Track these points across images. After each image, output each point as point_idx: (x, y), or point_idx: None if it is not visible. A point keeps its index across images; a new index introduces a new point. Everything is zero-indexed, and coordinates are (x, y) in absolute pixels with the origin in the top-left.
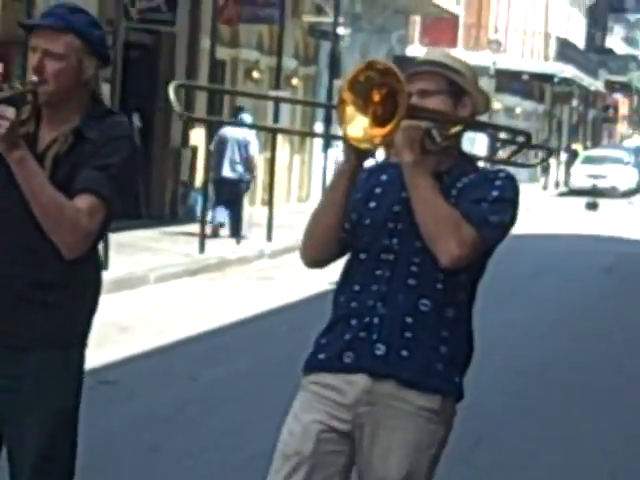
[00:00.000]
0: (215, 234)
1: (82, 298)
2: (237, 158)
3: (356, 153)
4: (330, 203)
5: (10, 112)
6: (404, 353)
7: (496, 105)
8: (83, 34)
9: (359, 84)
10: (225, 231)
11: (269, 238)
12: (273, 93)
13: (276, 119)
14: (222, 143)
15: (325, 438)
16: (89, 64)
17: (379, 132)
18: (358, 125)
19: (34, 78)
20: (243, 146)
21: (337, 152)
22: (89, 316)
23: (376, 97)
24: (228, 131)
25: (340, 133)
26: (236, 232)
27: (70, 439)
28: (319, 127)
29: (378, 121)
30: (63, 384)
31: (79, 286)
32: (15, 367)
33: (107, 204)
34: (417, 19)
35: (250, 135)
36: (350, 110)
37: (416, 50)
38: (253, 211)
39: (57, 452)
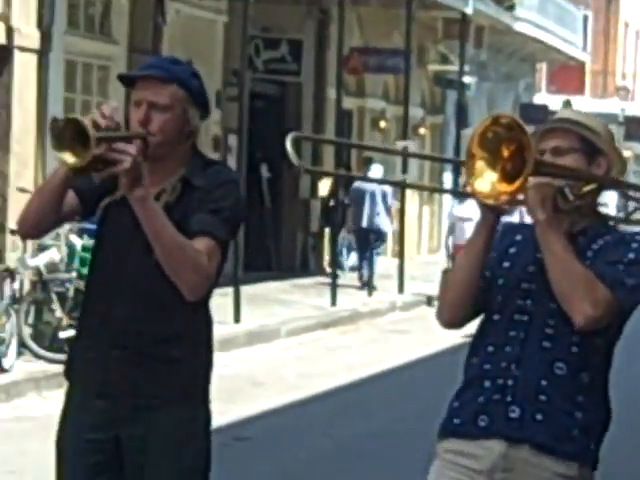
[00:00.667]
0: (364, 285)
1: (201, 352)
2: (377, 209)
3: (493, 211)
4: (467, 262)
5: (132, 149)
6: (539, 417)
7: (626, 153)
8: (186, 84)
9: (488, 139)
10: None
11: (400, 290)
12: (400, 143)
13: (404, 169)
14: (359, 194)
15: None
16: (193, 114)
17: (507, 188)
18: (486, 180)
19: (141, 130)
20: (381, 196)
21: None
22: (208, 370)
23: (505, 152)
24: (362, 182)
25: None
26: (369, 283)
27: None
28: (448, 177)
29: (507, 177)
30: (193, 442)
31: (198, 339)
32: (140, 427)
33: (222, 246)
34: (543, 67)
35: (387, 185)
36: (479, 165)
37: (543, 98)
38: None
39: None
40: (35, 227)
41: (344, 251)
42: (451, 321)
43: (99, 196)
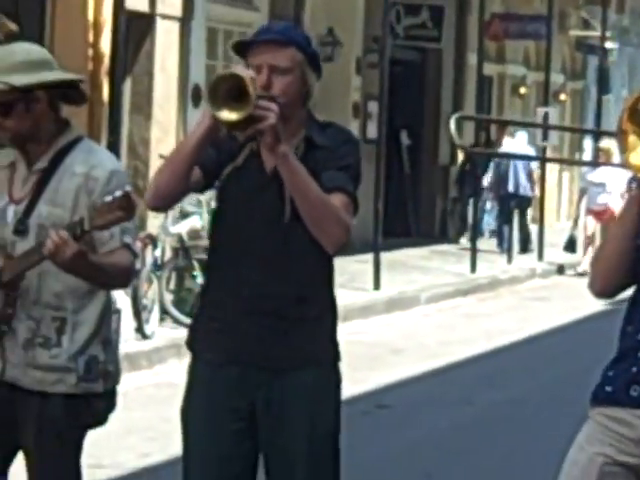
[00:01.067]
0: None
1: (328, 312)
2: (520, 174)
3: None
4: (620, 231)
5: (274, 106)
6: None
7: None
8: (303, 47)
9: (638, 113)
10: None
11: (540, 257)
12: (541, 109)
13: (545, 136)
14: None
15: (609, 471)
16: (311, 77)
17: None
18: None
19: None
20: (524, 162)
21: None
22: (335, 330)
23: None
24: (507, 148)
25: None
26: (525, 248)
27: (334, 464)
28: (588, 144)
29: None
30: (326, 406)
31: (325, 300)
32: (275, 392)
33: (354, 201)
34: None
35: (529, 150)
36: (632, 139)
37: None
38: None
39: (323, 479)
40: (164, 199)
41: (484, 216)
42: (603, 291)
43: (219, 166)
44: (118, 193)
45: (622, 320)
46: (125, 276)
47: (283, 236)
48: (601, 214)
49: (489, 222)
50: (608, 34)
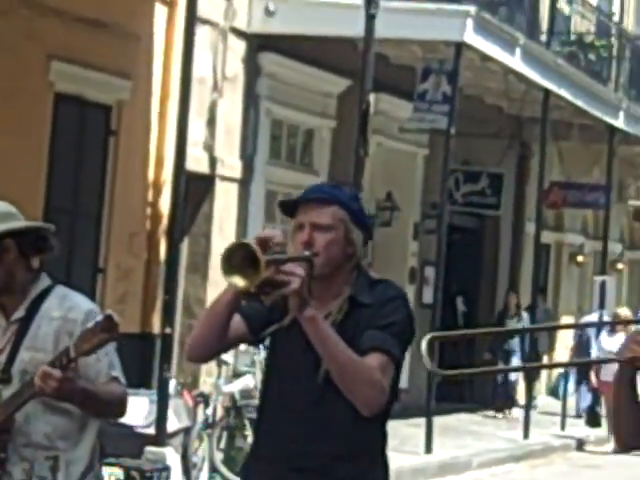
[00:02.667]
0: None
1: (378, 469)
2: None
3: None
4: (616, 404)
5: (300, 270)
6: None
7: None
8: (346, 205)
9: None
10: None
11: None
12: (598, 278)
13: (602, 304)
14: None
15: None
16: (355, 235)
17: None
18: None
19: (306, 252)
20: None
21: None
22: None
23: None
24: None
25: None
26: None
27: None
28: None
29: None
30: None
31: (374, 457)
32: None
33: (395, 362)
34: None
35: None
36: None
37: None
38: None
39: None
40: (199, 353)
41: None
42: (623, 450)
43: (266, 323)
44: (100, 317)
45: None
46: (119, 404)
47: (318, 396)
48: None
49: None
50: None
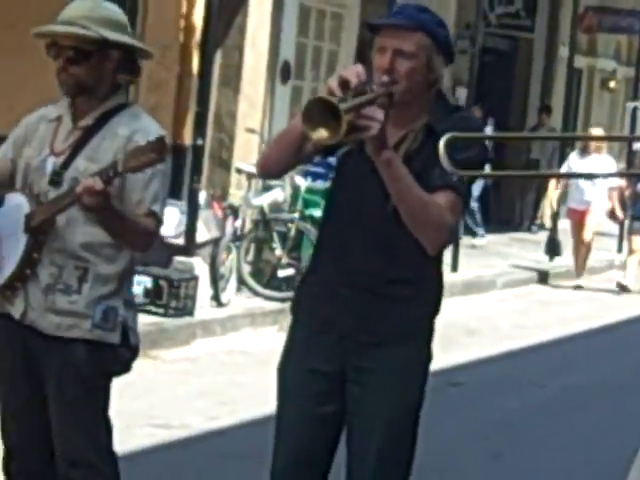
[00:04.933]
0: None
1: (430, 296)
2: None
3: None
4: None
5: (379, 114)
6: None
7: None
8: (432, 33)
9: None
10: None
11: (619, 249)
12: (630, 104)
13: (633, 129)
14: None
15: None
16: (438, 63)
17: None
18: None
19: (384, 78)
20: None
21: None
22: (435, 314)
23: None
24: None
25: None
26: None
27: (412, 439)
28: None
29: None
30: (413, 380)
31: (428, 283)
32: (367, 361)
33: (463, 197)
34: None
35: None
36: None
37: None
38: None
39: (398, 451)
40: (276, 169)
41: None
42: None
43: (336, 145)
44: (152, 137)
45: None
46: (146, 239)
47: (392, 222)
48: (583, 214)
49: None
50: None
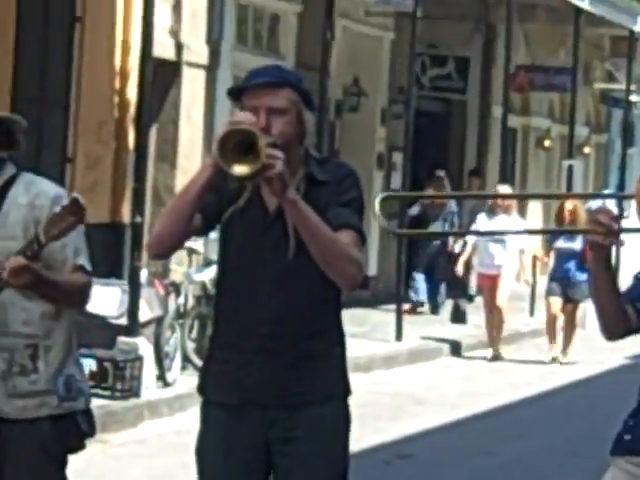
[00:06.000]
0: None
1: (338, 345)
2: None
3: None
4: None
5: (280, 153)
6: None
7: None
8: (298, 87)
9: None
10: None
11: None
12: (566, 162)
13: (569, 188)
14: None
15: None
16: (307, 116)
17: None
18: None
19: (268, 139)
20: None
21: None
22: (345, 364)
23: None
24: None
25: None
26: None
27: None
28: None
29: None
30: (340, 444)
31: (335, 336)
32: (293, 429)
33: (361, 235)
34: None
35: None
36: None
37: None
38: None
39: None
40: (166, 245)
41: None
42: (610, 339)
43: (220, 209)
44: (66, 201)
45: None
46: (82, 294)
47: (289, 275)
48: (494, 279)
49: None
50: (633, 87)
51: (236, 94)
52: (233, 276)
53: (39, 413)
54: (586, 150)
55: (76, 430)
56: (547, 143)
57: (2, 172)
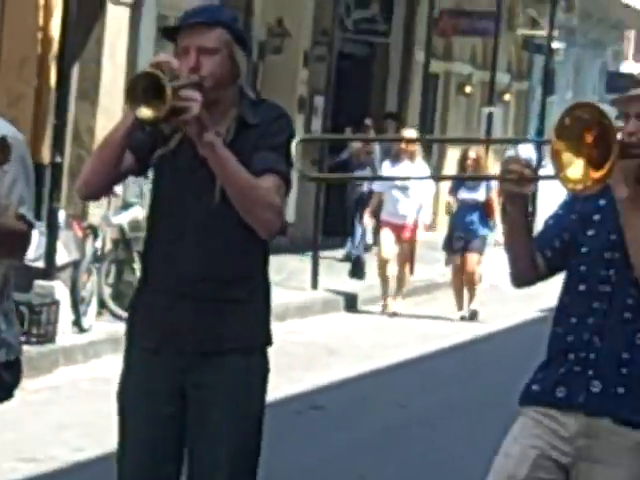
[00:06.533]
0: None
1: (261, 293)
2: None
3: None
4: (518, 240)
5: (197, 95)
6: (620, 390)
7: None
8: (231, 27)
9: (567, 129)
10: None
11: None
12: (486, 109)
13: (489, 134)
14: None
15: (541, 465)
16: (239, 56)
17: (597, 175)
18: (576, 168)
19: (193, 77)
20: None
21: None
22: (268, 315)
23: (588, 139)
24: None
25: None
26: None
27: (257, 452)
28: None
29: (594, 163)
30: (255, 393)
31: (258, 284)
32: (208, 375)
33: (286, 181)
34: (632, 34)
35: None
36: (565, 156)
37: (630, 66)
38: None
39: (246, 459)
40: (95, 189)
41: None
42: (519, 285)
43: (151, 150)
44: None
45: (552, 321)
46: (22, 244)
47: (214, 219)
48: (400, 229)
49: None
50: (555, 34)
51: (170, 33)
52: (161, 219)
53: None
54: (507, 97)
55: None
56: (468, 89)
57: None
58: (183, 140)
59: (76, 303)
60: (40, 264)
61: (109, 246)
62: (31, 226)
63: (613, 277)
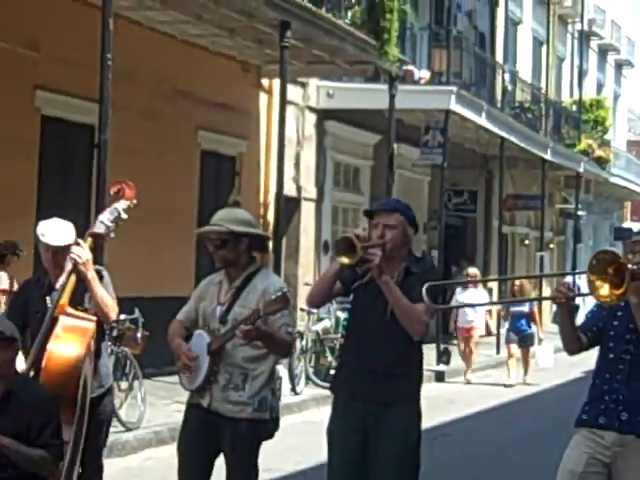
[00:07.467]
0: None
1: (415, 370)
2: None
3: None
4: (566, 329)
5: (379, 252)
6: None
7: None
8: (405, 213)
9: (595, 266)
10: None
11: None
12: (538, 253)
13: (541, 270)
14: None
15: (591, 463)
16: (409, 231)
17: (617, 292)
18: (604, 290)
19: (380, 240)
20: None
21: None
22: (420, 382)
23: (610, 271)
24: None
25: None
26: None
27: (417, 464)
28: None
29: (615, 285)
30: (412, 428)
31: (413, 363)
32: (381, 418)
33: (430, 309)
34: (629, 204)
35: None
36: (597, 283)
37: (629, 224)
38: None
39: (410, 470)
40: (316, 302)
41: None
42: (569, 353)
43: (353, 281)
44: (279, 292)
45: (592, 376)
46: (287, 348)
47: (386, 327)
48: (469, 330)
49: None
50: (580, 206)
51: (369, 214)
52: (354, 324)
53: (240, 415)
54: (551, 246)
55: (265, 428)
56: (526, 242)
57: (251, 266)
58: (372, 278)
59: (292, 377)
60: None
61: (310, 344)
62: (293, 339)
63: (631, 349)
